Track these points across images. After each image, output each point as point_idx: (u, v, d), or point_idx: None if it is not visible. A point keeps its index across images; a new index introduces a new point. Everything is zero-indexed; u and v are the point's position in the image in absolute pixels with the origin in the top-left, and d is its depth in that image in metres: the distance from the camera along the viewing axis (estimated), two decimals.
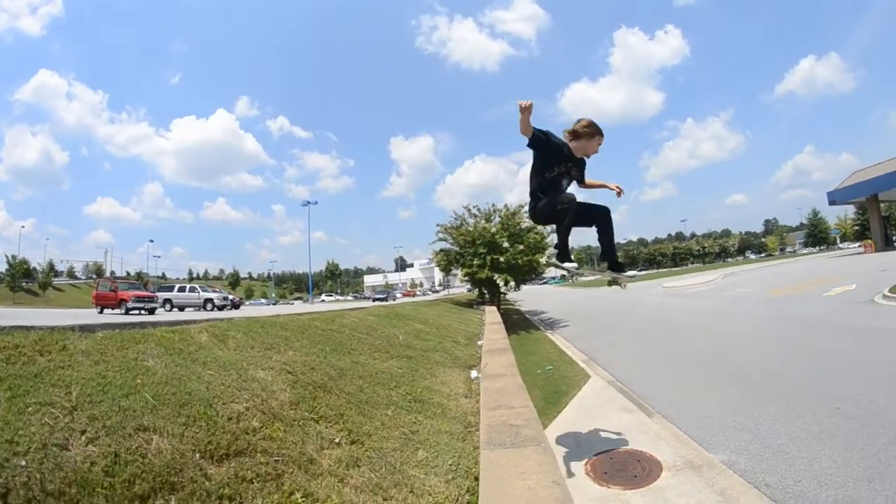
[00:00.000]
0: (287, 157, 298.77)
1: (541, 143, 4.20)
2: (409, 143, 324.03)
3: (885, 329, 10.89)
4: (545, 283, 70.85)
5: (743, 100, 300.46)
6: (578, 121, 4.38)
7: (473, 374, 5.63)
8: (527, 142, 4.22)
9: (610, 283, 5.37)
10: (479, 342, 8.21)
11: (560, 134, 4.37)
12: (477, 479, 3.01)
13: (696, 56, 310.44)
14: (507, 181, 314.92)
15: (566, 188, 4.51)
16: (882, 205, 48.17)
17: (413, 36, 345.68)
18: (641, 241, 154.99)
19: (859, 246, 55.26)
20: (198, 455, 2.92)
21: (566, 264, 4.74)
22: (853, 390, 7.17)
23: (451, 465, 3.38)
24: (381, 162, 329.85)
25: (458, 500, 3.14)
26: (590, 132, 4.34)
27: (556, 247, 4.80)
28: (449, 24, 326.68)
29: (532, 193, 4.53)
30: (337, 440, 3.52)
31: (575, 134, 4.34)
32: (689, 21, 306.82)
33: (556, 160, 4.33)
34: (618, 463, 5.06)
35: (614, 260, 4.79)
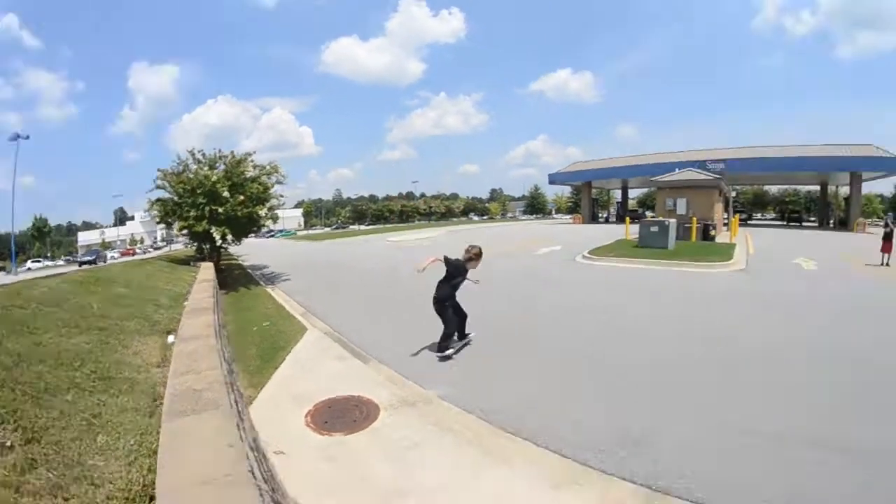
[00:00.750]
0: (4, 70, 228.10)
1: (452, 266, 7.09)
2: (154, 70, 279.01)
3: (578, 280, 14.26)
4: (272, 235, 68.37)
5: (497, 87, 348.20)
6: (474, 248, 7.34)
7: (170, 338, 5.32)
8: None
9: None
10: (186, 302, 7.76)
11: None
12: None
13: (470, 40, 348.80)
14: (248, 125, 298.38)
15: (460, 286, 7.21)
16: (593, 190, 64.13)
17: None
18: (372, 198, 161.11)
19: (571, 218, 67.08)
20: None
21: (447, 352, 7.01)
22: (552, 327, 8.83)
23: (133, 445, 3.18)
24: (116, 89, 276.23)
25: (141, 482, 2.98)
26: (479, 256, 7.36)
27: (444, 337, 7.08)
28: None
29: (442, 287, 7.11)
30: (9, 443, 3.03)
31: (472, 257, 7.25)
32: (476, 7, 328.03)
33: (458, 274, 7.11)
34: (337, 410, 5.30)
35: (463, 332, 7.51)
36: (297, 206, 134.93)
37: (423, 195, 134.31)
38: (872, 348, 7.17)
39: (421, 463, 4.16)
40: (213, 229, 14.83)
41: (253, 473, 2.26)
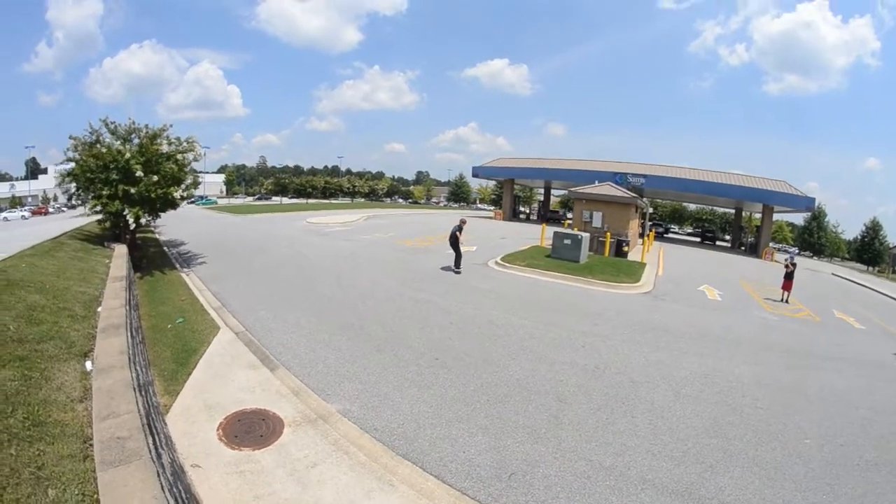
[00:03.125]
0: None
1: (456, 231, 17.41)
2: (76, 3, 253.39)
3: (488, 290, 14.20)
4: (193, 202, 64.96)
5: (431, 67, 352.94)
6: (463, 221, 18.05)
7: (88, 365, 5.17)
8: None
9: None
10: (100, 308, 7.51)
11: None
12: None
13: (411, 15, 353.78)
14: (174, 78, 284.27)
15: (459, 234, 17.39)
16: (516, 186, 66.92)
17: None
18: (297, 169, 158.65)
19: (492, 211, 69.37)
20: None
21: (459, 270, 17.13)
22: (454, 343, 9.04)
23: (78, 496, 3.23)
24: (31, 21, 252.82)
25: None
26: (465, 223, 17.96)
27: (456, 263, 17.39)
28: None
29: (452, 237, 17.44)
30: None
31: (461, 226, 17.54)
32: None
33: (457, 232, 17.35)
34: (245, 424, 5.83)
35: (459, 263, 17.29)
36: (219, 171, 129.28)
37: (348, 171, 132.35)
38: (752, 390, 8.02)
39: (320, 482, 4.85)
40: (127, 211, 14.36)
41: None
